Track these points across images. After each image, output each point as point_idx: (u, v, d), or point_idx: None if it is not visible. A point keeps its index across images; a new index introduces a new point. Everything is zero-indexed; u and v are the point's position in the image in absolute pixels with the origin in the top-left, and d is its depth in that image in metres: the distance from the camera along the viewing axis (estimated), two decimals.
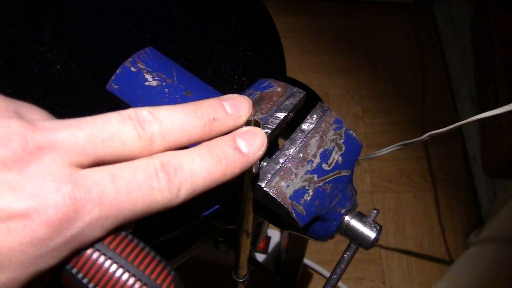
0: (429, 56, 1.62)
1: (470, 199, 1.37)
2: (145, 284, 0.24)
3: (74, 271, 0.24)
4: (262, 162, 0.38)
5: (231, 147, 0.28)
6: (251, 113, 0.31)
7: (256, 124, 0.30)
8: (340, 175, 0.38)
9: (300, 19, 1.69)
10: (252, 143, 0.29)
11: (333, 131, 0.38)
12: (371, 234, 0.38)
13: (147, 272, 0.25)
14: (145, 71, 0.44)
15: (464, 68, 1.56)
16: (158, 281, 0.25)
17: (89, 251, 0.24)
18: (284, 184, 0.35)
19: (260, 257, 1.17)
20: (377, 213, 0.39)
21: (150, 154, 0.26)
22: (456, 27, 1.65)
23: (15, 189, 0.22)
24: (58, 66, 0.56)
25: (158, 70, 0.44)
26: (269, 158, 0.38)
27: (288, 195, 0.34)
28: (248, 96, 0.40)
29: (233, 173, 0.28)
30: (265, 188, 0.34)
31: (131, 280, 0.24)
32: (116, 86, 0.44)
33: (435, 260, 1.29)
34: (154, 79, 0.44)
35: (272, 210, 0.36)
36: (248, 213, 0.39)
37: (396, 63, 1.61)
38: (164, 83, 0.44)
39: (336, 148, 0.38)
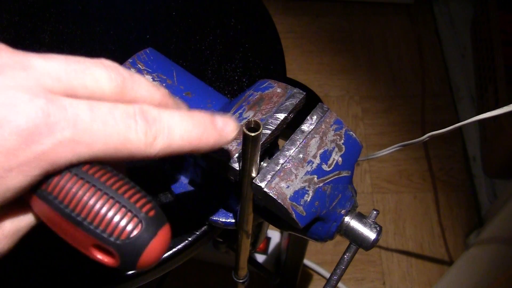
0: (429, 56, 1.62)
1: (470, 199, 1.37)
2: (123, 207, 0.23)
3: (46, 193, 0.23)
4: (262, 163, 0.38)
5: (209, 121, 0.29)
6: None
7: (256, 125, 0.31)
8: (340, 175, 0.38)
9: (300, 19, 1.69)
10: (227, 125, 0.29)
11: (333, 132, 0.38)
12: (371, 235, 0.38)
13: (126, 196, 0.24)
14: (145, 71, 0.44)
15: (464, 68, 1.57)
16: (138, 205, 0.24)
17: (63, 173, 0.24)
18: (284, 184, 0.35)
19: (260, 258, 1.17)
20: (377, 213, 0.39)
21: (123, 101, 0.26)
22: (456, 27, 1.65)
23: None
24: None
25: (158, 70, 0.44)
26: (269, 159, 0.38)
27: (288, 196, 0.34)
28: (248, 97, 0.40)
29: (207, 143, 0.28)
30: (265, 189, 0.34)
31: (110, 202, 0.23)
32: None
33: (435, 261, 1.29)
34: (154, 80, 0.44)
35: (272, 211, 0.36)
36: (248, 214, 0.39)
37: (396, 63, 1.61)
38: (164, 84, 0.44)
39: (336, 149, 0.38)
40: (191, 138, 0.27)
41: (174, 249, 0.46)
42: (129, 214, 0.23)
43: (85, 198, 0.23)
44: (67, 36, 0.59)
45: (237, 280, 0.53)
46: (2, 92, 0.22)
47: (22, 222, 0.26)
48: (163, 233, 0.24)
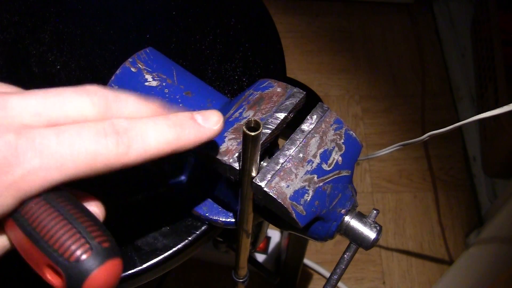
0: (429, 56, 1.62)
1: (470, 199, 1.37)
2: (79, 233, 0.25)
3: (18, 216, 0.25)
4: (262, 162, 0.38)
5: (188, 117, 0.30)
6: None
7: (256, 124, 0.31)
8: (340, 175, 0.38)
9: (300, 19, 1.69)
10: (208, 118, 0.31)
11: (333, 131, 0.38)
12: (371, 234, 0.38)
13: (85, 225, 0.26)
14: (145, 71, 0.44)
15: (464, 68, 1.56)
16: (93, 234, 0.25)
17: (34, 199, 0.26)
18: (284, 184, 0.35)
19: (260, 257, 1.17)
20: (377, 213, 0.39)
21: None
22: (456, 27, 1.65)
23: None
24: (58, 66, 0.56)
25: (158, 70, 0.44)
26: (269, 158, 0.38)
27: (288, 195, 0.35)
28: (248, 96, 0.40)
29: (188, 139, 0.29)
30: (265, 188, 0.34)
31: (68, 227, 0.25)
32: (116, 87, 0.44)
33: (435, 260, 1.29)
34: (154, 80, 0.44)
35: (272, 210, 0.36)
36: (248, 213, 0.39)
37: (396, 63, 1.61)
38: (164, 84, 0.44)
39: (336, 148, 0.38)
40: (168, 139, 0.28)
41: (174, 249, 0.46)
42: (82, 240, 0.25)
43: (47, 220, 0.25)
44: (67, 36, 0.59)
45: (237, 280, 0.53)
46: None
47: None
48: (112, 265, 0.25)
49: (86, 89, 0.28)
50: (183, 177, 0.45)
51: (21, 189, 0.25)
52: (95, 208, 0.29)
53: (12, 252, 0.28)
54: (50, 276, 0.25)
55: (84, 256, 0.24)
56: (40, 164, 0.25)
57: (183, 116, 0.30)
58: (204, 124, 0.30)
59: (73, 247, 0.24)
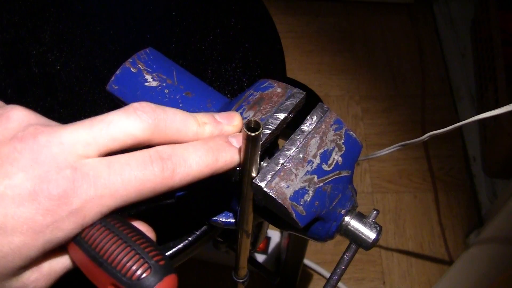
0: (429, 56, 1.62)
1: (470, 199, 1.37)
2: (138, 254, 0.28)
3: (80, 240, 0.29)
4: (262, 162, 0.38)
5: (223, 141, 0.33)
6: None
7: (256, 124, 0.31)
8: (340, 175, 0.38)
9: (300, 19, 1.69)
10: (241, 141, 0.33)
11: (333, 131, 0.38)
12: (371, 234, 0.38)
13: (142, 246, 0.29)
14: (145, 71, 0.44)
15: (464, 68, 1.56)
16: (150, 254, 0.28)
17: (95, 224, 0.29)
18: (284, 184, 0.35)
19: (260, 257, 1.17)
20: (377, 213, 0.39)
21: (158, 138, 0.31)
22: (456, 27, 1.65)
23: (26, 171, 0.27)
24: (58, 66, 0.56)
25: (158, 70, 0.44)
26: (269, 158, 0.38)
27: (288, 196, 0.34)
28: (248, 97, 0.40)
29: (225, 162, 0.32)
30: (265, 189, 0.34)
31: (127, 249, 0.28)
32: (116, 87, 0.44)
33: (435, 260, 1.29)
34: (154, 80, 0.44)
35: (272, 211, 0.36)
36: (248, 214, 0.39)
37: (396, 63, 1.61)
38: (164, 84, 0.44)
39: (336, 149, 0.38)
40: (207, 162, 0.31)
41: (174, 249, 0.46)
42: (141, 260, 0.28)
43: (109, 244, 0.28)
44: (67, 36, 0.59)
45: (237, 280, 0.53)
46: (39, 167, 0.27)
47: (58, 264, 0.30)
48: (169, 280, 0.28)
49: (135, 107, 0.30)
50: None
51: (80, 216, 0.28)
52: (145, 229, 0.32)
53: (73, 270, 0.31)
54: None
55: (144, 275, 0.27)
56: (95, 194, 0.28)
57: (220, 140, 0.33)
58: (237, 146, 0.33)
59: (134, 267, 0.28)
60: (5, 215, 0.27)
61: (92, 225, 0.29)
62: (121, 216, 0.30)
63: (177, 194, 0.44)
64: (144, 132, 0.30)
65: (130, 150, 0.30)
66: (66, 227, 0.28)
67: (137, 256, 0.28)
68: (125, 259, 0.28)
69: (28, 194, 0.27)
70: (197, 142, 0.32)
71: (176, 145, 0.31)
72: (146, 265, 0.28)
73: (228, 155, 0.32)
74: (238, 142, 0.33)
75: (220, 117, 0.35)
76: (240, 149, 0.33)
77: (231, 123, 0.35)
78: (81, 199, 0.27)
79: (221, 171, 0.33)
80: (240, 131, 0.35)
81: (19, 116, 0.30)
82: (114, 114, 0.30)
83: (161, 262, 0.28)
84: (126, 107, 0.30)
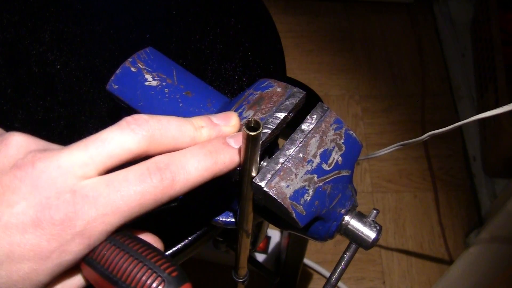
0: (429, 56, 1.62)
1: (470, 199, 1.37)
2: (150, 269, 0.28)
3: (91, 260, 0.29)
4: (262, 162, 0.38)
5: (221, 142, 0.33)
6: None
7: (256, 124, 0.31)
8: (340, 175, 0.38)
9: (300, 19, 1.69)
10: (239, 141, 0.33)
11: (333, 131, 0.38)
12: (371, 234, 0.38)
13: (153, 260, 0.29)
14: (145, 71, 0.44)
15: (464, 68, 1.56)
16: (162, 267, 0.28)
17: (105, 243, 0.29)
18: (284, 184, 0.35)
19: (260, 257, 1.17)
20: (377, 213, 0.39)
21: (155, 149, 0.31)
22: (456, 27, 1.65)
23: (28, 199, 0.28)
24: (58, 66, 0.56)
25: (158, 70, 0.44)
26: (269, 158, 0.38)
27: (288, 195, 0.34)
28: (248, 96, 0.40)
29: (224, 163, 0.32)
30: (265, 188, 0.34)
31: (139, 266, 0.28)
32: (116, 86, 0.44)
33: (435, 260, 1.29)
34: (154, 79, 0.44)
35: (272, 210, 0.36)
36: (248, 213, 0.39)
37: (396, 63, 1.61)
38: (164, 83, 0.44)
39: (336, 148, 0.38)
40: (206, 166, 0.31)
41: (174, 249, 0.46)
42: (154, 275, 0.28)
43: (121, 262, 0.29)
44: (67, 35, 0.59)
45: (237, 280, 0.53)
46: (40, 194, 0.28)
47: (72, 285, 0.31)
48: None
49: (127, 121, 0.30)
50: None
51: (85, 237, 0.28)
52: (153, 240, 0.32)
53: None
54: None
55: None
56: (96, 214, 0.28)
57: (217, 142, 0.33)
58: (236, 146, 0.33)
59: (148, 282, 0.28)
60: (11, 244, 0.27)
61: (101, 244, 0.29)
62: (128, 230, 0.31)
63: (180, 197, 0.44)
64: (140, 145, 0.30)
65: (130, 164, 0.31)
66: (73, 249, 0.28)
67: (150, 271, 0.28)
68: (138, 275, 0.28)
69: (31, 222, 0.27)
70: (195, 146, 0.32)
71: (174, 153, 0.31)
72: (159, 278, 0.28)
73: (227, 157, 0.32)
74: (236, 142, 0.33)
75: (217, 118, 0.35)
76: (239, 149, 0.33)
77: (228, 123, 0.35)
78: (83, 220, 0.28)
79: (221, 173, 0.32)
80: (238, 131, 0.35)
81: (18, 142, 0.30)
82: (108, 131, 0.30)
83: (174, 274, 0.28)
84: (119, 122, 0.30)
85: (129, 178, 0.29)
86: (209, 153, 0.32)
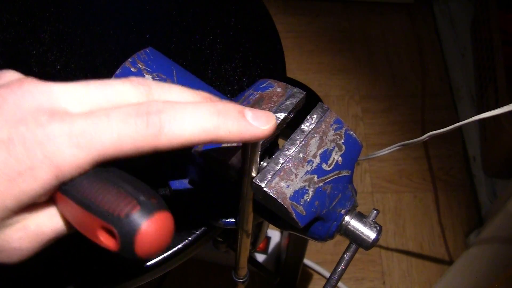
0: (429, 56, 1.62)
1: (470, 199, 1.37)
2: (126, 191, 0.26)
3: (67, 189, 0.27)
4: (262, 162, 0.38)
5: (236, 110, 0.28)
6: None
7: None
8: (340, 175, 0.38)
9: (300, 19, 1.69)
10: (259, 118, 0.29)
11: (333, 131, 0.38)
12: (371, 234, 0.38)
13: (131, 185, 0.27)
14: (145, 71, 0.44)
15: (464, 68, 1.56)
16: (140, 191, 0.27)
17: (82, 176, 0.27)
18: (284, 184, 0.35)
19: (260, 257, 1.17)
20: (377, 213, 0.39)
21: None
22: (456, 27, 1.65)
23: (5, 115, 0.26)
24: (58, 66, 0.56)
25: (158, 70, 0.44)
26: (269, 158, 0.38)
27: (288, 196, 0.34)
28: (248, 97, 0.40)
29: (228, 132, 0.28)
30: (265, 189, 0.34)
31: (115, 189, 0.27)
32: None
33: (435, 260, 1.29)
34: (154, 80, 0.44)
35: (272, 210, 0.36)
36: (248, 213, 0.39)
37: (396, 63, 1.61)
38: None
39: (336, 149, 0.38)
40: (206, 127, 0.27)
41: (174, 249, 0.46)
42: (129, 197, 0.26)
43: (97, 187, 0.27)
44: (67, 36, 0.59)
45: (237, 280, 0.53)
46: (20, 113, 0.26)
47: (47, 224, 0.29)
48: (161, 216, 0.26)
49: (129, 79, 0.29)
50: (183, 178, 0.45)
51: (54, 165, 0.26)
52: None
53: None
54: (104, 239, 0.27)
55: (133, 211, 0.25)
56: (68, 143, 0.26)
57: (232, 107, 0.28)
58: (252, 121, 0.29)
59: (122, 204, 0.26)
60: None
61: (80, 176, 0.27)
62: (117, 170, 0.29)
63: (173, 187, 0.44)
64: (138, 98, 0.28)
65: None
66: (41, 176, 0.26)
67: (125, 193, 0.26)
68: (112, 198, 0.26)
69: (4, 139, 0.26)
70: (204, 103, 0.28)
71: (175, 101, 0.28)
72: (134, 201, 0.26)
73: (235, 126, 0.28)
74: (254, 117, 0.29)
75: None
76: (250, 124, 0.29)
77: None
78: (53, 146, 0.26)
79: (221, 141, 0.28)
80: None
81: (11, 73, 0.29)
82: (113, 80, 0.29)
83: (153, 200, 0.26)
84: (122, 78, 0.29)
85: (112, 115, 0.27)
86: (216, 114, 0.28)
